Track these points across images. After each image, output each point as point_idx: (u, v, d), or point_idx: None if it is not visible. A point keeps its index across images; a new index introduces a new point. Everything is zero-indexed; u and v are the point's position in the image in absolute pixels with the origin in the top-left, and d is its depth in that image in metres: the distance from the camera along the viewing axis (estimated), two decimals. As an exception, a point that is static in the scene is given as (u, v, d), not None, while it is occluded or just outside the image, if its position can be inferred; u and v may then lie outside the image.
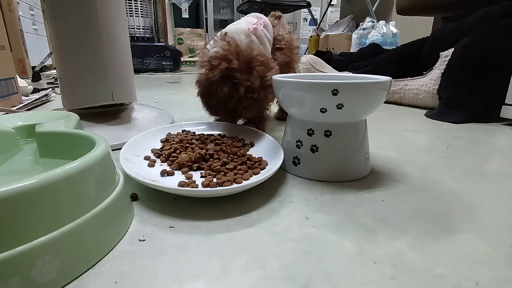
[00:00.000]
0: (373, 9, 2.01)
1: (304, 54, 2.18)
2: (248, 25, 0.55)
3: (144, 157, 0.39)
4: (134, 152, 0.39)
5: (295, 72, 0.68)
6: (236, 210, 0.30)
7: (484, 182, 0.38)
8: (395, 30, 1.67)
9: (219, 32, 0.55)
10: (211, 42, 0.50)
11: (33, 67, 1.42)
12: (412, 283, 0.21)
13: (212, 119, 0.57)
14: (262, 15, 0.62)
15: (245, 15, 0.65)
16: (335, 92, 0.32)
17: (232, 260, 0.23)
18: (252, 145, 0.44)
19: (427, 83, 0.83)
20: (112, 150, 0.30)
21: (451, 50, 0.78)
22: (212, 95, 0.45)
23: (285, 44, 0.63)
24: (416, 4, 1.29)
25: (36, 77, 1.26)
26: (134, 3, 2.21)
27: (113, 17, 0.52)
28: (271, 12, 0.68)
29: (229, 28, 0.54)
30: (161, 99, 1.01)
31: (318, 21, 2.68)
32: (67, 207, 0.21)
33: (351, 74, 0.48)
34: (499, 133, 0.61)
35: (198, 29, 3.17)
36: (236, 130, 0.49)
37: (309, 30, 3.81)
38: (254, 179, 0.32)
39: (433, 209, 0.31)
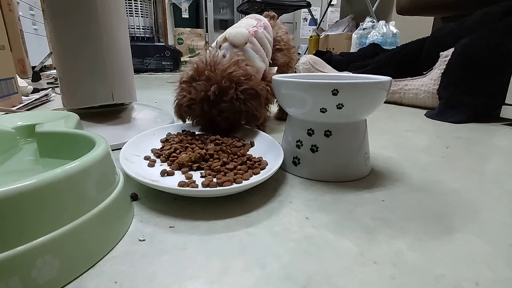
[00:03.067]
0: (373, 9, 2.01)
1: (304, 54, 2.18)
2: (248, 28, 0.55)
3: (144, 157, 0.39)
4: (134, 152, 0.39)
5: (293, 71, 0.68)
6: (236, 210, 0.30)
7: (484, 182, 0.38)
8: (395, 30, 1.67)
9: (220, 36, 0.54)
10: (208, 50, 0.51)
11: (33, 67, 1.42)
12: (412, 283, 0.21)
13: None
14: (261, 17, 0.62)
15: (245, 15, 0.65)
16: (335, 92, 0.32)
17: (232, 260, 0.23)
18: (252, 145, 0.44)
19: (427, 83, 0.83)
20: (112, 150, 0.30)
21: (451, 50, 0.78)
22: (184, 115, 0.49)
23: (284, 45, 0.63)
24: (416, 4, 1.29)
25: (36, 77, 1.26)
26: (134, 3, 2.21)
27: (113, 17, 0.52)
28: (265, 12, 0.68)
29: (230, 31, 0.54)
30: (161, 99, 1.01)
31: (318, 21, 2.68)
32: (67, 207, 0.21)
33: (351, 74, 0.48)
34: (499, 133, 0.61)
35: (198, 29, 3.16)
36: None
37: (309, 30, 3.81)
38: (254, 179, 0.32)
39: (433, 209, 0.31)
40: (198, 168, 0.37)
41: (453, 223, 0.28)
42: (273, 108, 0.68)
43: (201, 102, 0.44)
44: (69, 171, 0.21)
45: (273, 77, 0.38)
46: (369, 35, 1.74)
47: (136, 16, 2.23)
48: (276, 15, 0.68)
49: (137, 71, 2.11)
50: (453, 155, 0.48)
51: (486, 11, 0.81)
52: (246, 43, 0.52)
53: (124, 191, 0.29)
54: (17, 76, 0.85)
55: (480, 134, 0.60)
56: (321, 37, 2.29)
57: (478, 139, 0.57)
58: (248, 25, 0.57)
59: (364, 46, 1.54)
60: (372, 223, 0.28)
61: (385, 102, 0.95)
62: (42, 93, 0.98)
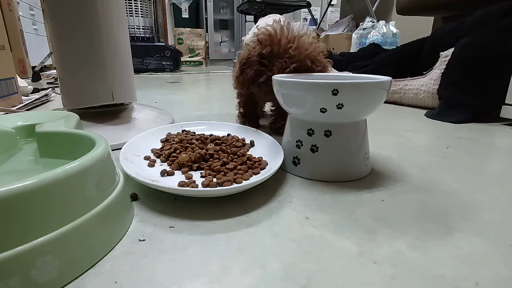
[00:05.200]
0: (373, 9, 2.01)
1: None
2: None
3: (144, 157, 0.39)
4: (134, 152, 0.39)
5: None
6: (236, 210, 0.30)
7: (484, 182, 0.38)
8: (395, 30, 1.67)
9: (278, 18, 0.55)
10: (263, 25, 0.52)
11: (33, 67, 1.42)
12: (412, 283, 0.21)
13: (212, 117, 0.58)
14: (281, 17, 0.63)
15: (245, 15, 0.66)
16: (335, 92, 0.32)
17: (232, 260, 0.23)
18: (252, 145, 0.45)
19: (427, 83, 0.83)
20: (112, 150, 0.30)
21: (451, 50, 0.78)
22: (242, 73, 0.49)
23: None
24: (416, 4, 1.29)
25: (36, 77, 1.26)
26: (134, 3, 2.21)
27: (113, 17, 0.52)
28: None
29: (260, 24, 0.54)
30: (161, 99, 1.01)
31: (318, 21, 2.68)
32: (67, 207, 0.21)
33: (351, 74, 0.48)
34: (499, 133, 0.61)
35: (198, 29, 3.16)
36: (236, 130, 0.49)
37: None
38: (254, 179, 0.32)
39: (433, 209, 0.31)
40: (198, 168, 0.37)
41: (453, 223, 0.28)
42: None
43: (250, 82, 0.47)
44: (69, 171, 0.21)
45: (273, 77, 0.38)
46: (369, 35, 1.74)
47: (136, 16, 2.22)
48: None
49: (137, 71, 2.11)
50: (453, 155, 0.48)
51: (486, 11, 0.81)
52: None
53: (124, 191, 0.29)
54: (17, 76, 0.85)
55: (480, 134, 0.60)
56: (321, 37, 2.29)
57: (478, 139, 0.57)
58: (277, 22, 0.57)
59: (364, 46, 1.54)
60: (372, 223, 0.28)
61: (385, 102, 0.95)
62: (42, 93, 0.98)
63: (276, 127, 0.56)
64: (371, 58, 1.12)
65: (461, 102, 0.72)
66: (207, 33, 3.39)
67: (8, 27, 1.42)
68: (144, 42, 2.27)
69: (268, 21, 0.59)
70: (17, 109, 0.75)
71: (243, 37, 0.59)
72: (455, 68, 0.75)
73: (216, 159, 0.38)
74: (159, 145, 0.44)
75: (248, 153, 0.41)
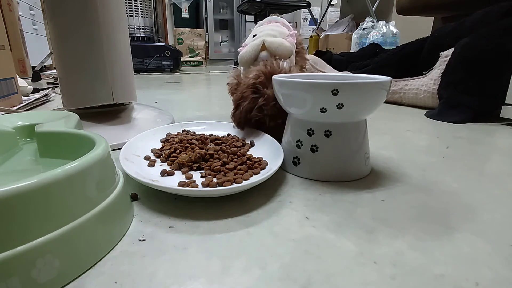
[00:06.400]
0: (373, 9, 2.01)
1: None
2: (286, 38, 0.55)
3: (144, 157, 0.39)
4: (134, 152, 0.39)
5: (306, 71, 0.68)
6: (236, 210, 0.30)
7: (484, 182, 0.38)
8: (395, 30, 1.67)
9: (254, 42, 0.54)
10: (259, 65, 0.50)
11: (33, 67, 1.42)
12: (412, 283, 0.21)
13: (212, 117, 0.58)
14: (286, 22, 0.62)
15: (245, 15, 0.65)
16: (335, 92, 0.32)
17: (232, 260, 0.23)
18: (252, 145, 0.45)
19: (427, 83, 0.83)
20: (112, 150, 0.30)
21: (451, 50, 0.78)
22: (238, 107, 0.47)
23: (302, 48, 0.63)
24: (416, 4, 1.29)
25: (36, 77, 1.26)
26: (134, 3, 2.21)
27: (113, 17, 0.52)
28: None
29: (268, 40, 0.52)
30: (161, 99, 1.01)
31: (318, 21, 2.68)
32: (67, 207, 0.21)
33: (351, 74, 0.48)
34: (499, 133, 0.61)
35: (198, 29, 3.17)
36: (236, 130, 0.49)
37: (309, 30, 3.81)
38: (254, 179, 0.32)
39: (433, 209, 0.31)
40: (198, 168, 0.37)
41: (453, 223, 0.28)
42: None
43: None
44: (69, 171, 0.21)
45: (273, 77, 0.38)
46: (369, 35, 1.74)
47: (136, 16, 2.23)
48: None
49: (137, 71, 2.11)
50: (453, 155, 0.48)
51: (486, 11, 0.81)
52: (289, 57, 0.52)
53: (124, 191, 0.29)
54: (17, 76, 0.85)
55: (480, 134, 0.60)
56: (321, 37, 2.29)
57: (478, 139, 0.57)
58: (282, 33, 0.56)
59: (364, 46, 1.54)
60: (372, 223, 0.28)
61: (385, 102, 0.95)
62: (42, 93, 0.98)
63: None
64: (371, 58, 1.12)
65: (461, 102, 0.72)
66: (207, 33, 3.39)
67: (8, 27, 1.42)
68: (144, 42, 2.27)
69: (266, 28, 0.58)
70: (17, 109, 0.75)
71: (238, 49, 0.58)
72: (455, 68, 0.75)
73: (216, 159, 0.38)
74: (159, 145, 0.44)
75: (248, 153, 0.41)
